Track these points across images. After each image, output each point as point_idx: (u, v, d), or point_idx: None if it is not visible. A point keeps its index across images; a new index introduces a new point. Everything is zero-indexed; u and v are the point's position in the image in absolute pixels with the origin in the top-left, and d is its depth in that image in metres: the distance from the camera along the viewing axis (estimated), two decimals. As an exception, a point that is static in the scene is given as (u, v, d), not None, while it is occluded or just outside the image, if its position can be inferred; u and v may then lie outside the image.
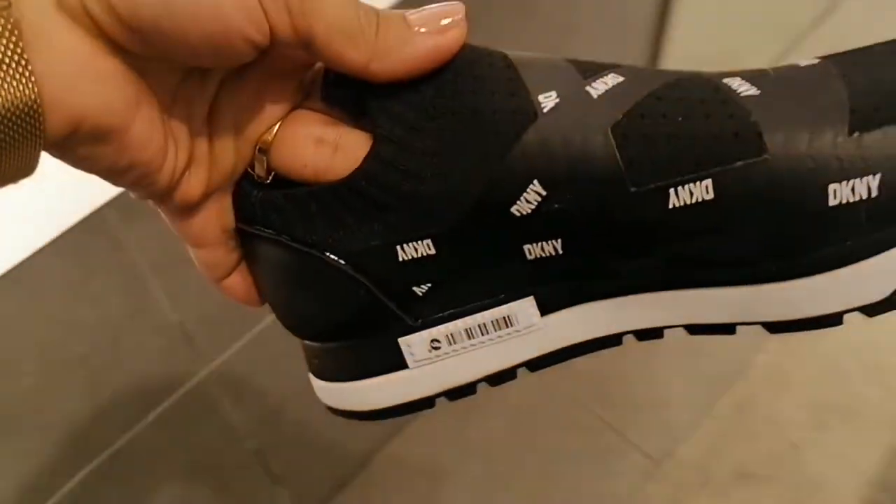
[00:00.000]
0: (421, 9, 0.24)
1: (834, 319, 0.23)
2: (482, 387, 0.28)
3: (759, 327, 0.24)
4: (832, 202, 0.22)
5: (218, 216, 0.28)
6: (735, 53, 1.78)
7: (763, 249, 0.23)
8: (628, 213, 0.23)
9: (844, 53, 0.25)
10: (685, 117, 0.23)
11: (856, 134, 0.22)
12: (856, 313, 0.23)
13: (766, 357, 1.36)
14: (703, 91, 0.24)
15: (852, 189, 0.22)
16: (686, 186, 0.22)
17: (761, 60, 1.80)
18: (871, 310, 0.23)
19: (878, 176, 0.21)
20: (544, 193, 0.24)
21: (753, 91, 0.24)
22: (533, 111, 0.24)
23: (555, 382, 1.35)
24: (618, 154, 0.23)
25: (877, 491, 1.20)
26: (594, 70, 0.25)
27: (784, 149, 0.22)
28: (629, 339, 0.27)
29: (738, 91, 0.24)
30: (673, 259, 0.24)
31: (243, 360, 0.84)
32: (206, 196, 0.28)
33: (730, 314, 0.24)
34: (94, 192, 0.59)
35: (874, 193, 0.22)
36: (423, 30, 0.24)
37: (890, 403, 1.30)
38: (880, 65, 0.24)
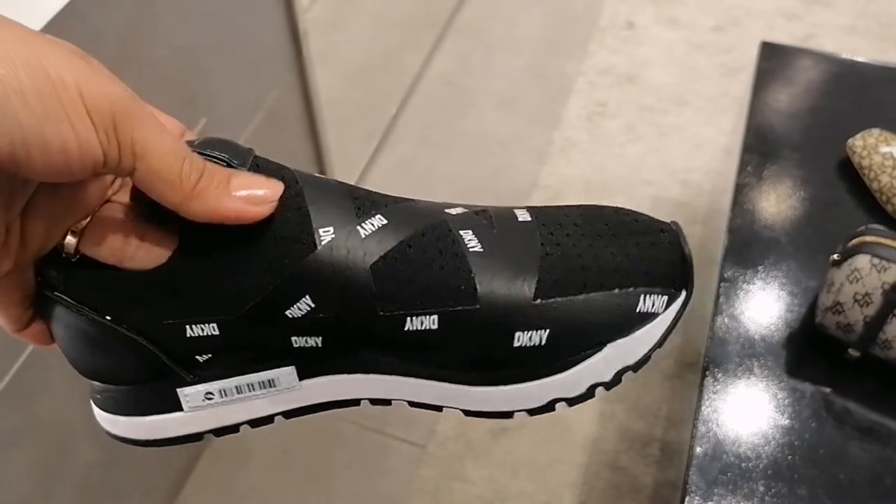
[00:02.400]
0: (250, 175, 0.29)
1: (508, 415, 0.33)
2: (244, 427, 0.34)
3: (458, 411, 0.34)
4: (516, 344, 0.31)
5: (20, 285, 0.30)
6: (391, 52, 1.89)
7: (468, 364, 0.32)
8: (375, 328, 0.31)
9: (548, 216, 0.34)
10: (426, 266, 0.31)
11: (538, 300, 0.31)
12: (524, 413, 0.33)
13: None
14: (444, 243, 0.32)
15: (530, 337, 0.31)
16: (419, 317, 0.31)
17: (418, 54, 1.93)
18: (532, 412, 0.33)
19: (547, 331, 0.31)
20: (313, 306, 0.30)
21: (479, 248, 0.32)
22: (313, 242, 0.30)
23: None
24: (374, 287, 0.30)
25: (612, 403, 1.34)
26: (368, 205, 0.32)
27: (490, 302, 0.31)
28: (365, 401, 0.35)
29: (469, 246, 0.32)
30: (404, 358, 0.32)
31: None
32: (13, 271, 0.29)
33: (440, 400, 0.33)
34: None
35: (543, 342, 0.31)
36: (240, 194, 0.29)
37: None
38: (567, 238, 0.33)
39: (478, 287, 0.31)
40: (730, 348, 0.80)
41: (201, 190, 0.28)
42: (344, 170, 1.58)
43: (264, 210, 0.29)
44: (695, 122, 1.75)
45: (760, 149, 0.99)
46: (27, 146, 0.24)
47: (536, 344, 0.31)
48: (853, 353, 0.75)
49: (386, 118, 1.78)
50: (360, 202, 0.32)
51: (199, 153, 0.29)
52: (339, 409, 0.34)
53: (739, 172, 0.96)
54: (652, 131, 1.74)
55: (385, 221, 0.31)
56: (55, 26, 0.72)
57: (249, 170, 0.30)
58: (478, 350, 0.32)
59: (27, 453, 0.85)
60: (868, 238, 0.73)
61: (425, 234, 0.32)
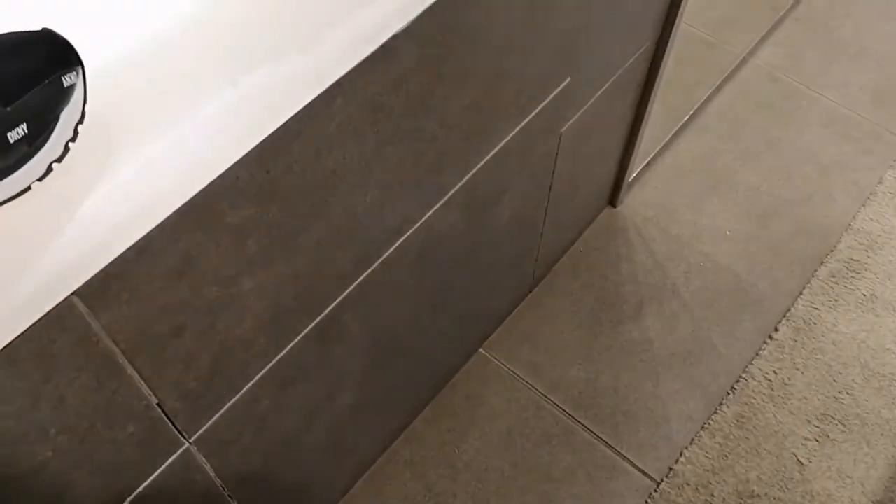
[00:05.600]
0: None
1: (27, 189, 0.46)
2: None
3: None
4: (11, 141, 0.43)
5: None
6: (721, 26, 1.68)
7: None
8: None
9: None
10: None
11: (8, 106, 0.43)
12: None
13: (764, 365, 1.29)
14: None
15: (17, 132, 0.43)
16: None
17: (749, 36, 1.71)
18: (40, 178, 0.46)
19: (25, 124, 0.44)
20: None
21: None
22: None
23: (539, 396, 1.25)
24: None
25: (869, 497, 1.15)
26: None
27: None
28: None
29: None
30: None
31: (225, 428, 0.73)
32: None
33: None
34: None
35: (27, 132, 0.44)
36: None
37: (893, 413, 1.25)
38: None
39: None
40: None
41: None
42: (643, 145, 1.42)
43: None
44: None
45: None
46: None
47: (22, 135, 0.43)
48: None
49: (697, 100, 1.59)
50: None
51: None
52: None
53: None
54: None
55: None
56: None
57: None
58: None
59: (303, 387, 0.81)
60: None
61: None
